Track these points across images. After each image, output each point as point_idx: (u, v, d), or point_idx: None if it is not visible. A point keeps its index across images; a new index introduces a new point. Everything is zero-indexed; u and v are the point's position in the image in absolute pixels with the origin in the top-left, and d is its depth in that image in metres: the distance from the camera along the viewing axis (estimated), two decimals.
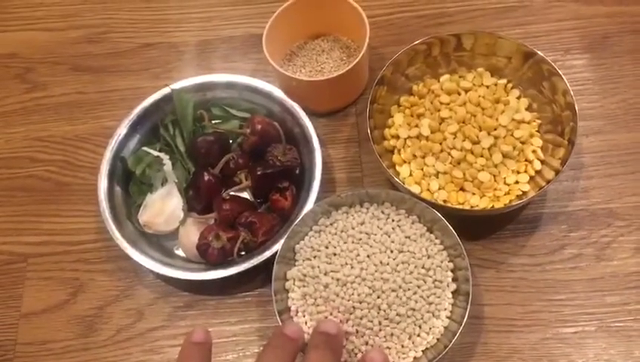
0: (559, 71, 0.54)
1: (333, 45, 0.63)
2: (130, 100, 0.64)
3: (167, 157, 0.58)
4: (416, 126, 0.57)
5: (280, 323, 0.47)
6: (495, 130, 0.55)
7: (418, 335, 0.48)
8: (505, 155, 0.54)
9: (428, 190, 0.54)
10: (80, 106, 0.66)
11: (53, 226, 0.59)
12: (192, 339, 0.41)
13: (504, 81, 0.58)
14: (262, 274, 0.54)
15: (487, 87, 0.58)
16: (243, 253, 0.54)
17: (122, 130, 0.59)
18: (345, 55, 0.62)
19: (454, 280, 0.50)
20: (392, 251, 0.50)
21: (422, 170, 0.55)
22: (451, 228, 0.49)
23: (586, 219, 0.54)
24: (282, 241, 0.50)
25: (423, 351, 0.48)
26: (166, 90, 0.59)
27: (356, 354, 0.47)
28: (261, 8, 0.69)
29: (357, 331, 0.48)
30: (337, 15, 0.61)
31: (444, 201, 0.54)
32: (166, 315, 0.54)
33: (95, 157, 0.61)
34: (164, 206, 0.55)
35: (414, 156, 0.56)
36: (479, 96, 0.57)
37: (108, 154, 0.57)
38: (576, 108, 0.52)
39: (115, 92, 0.66)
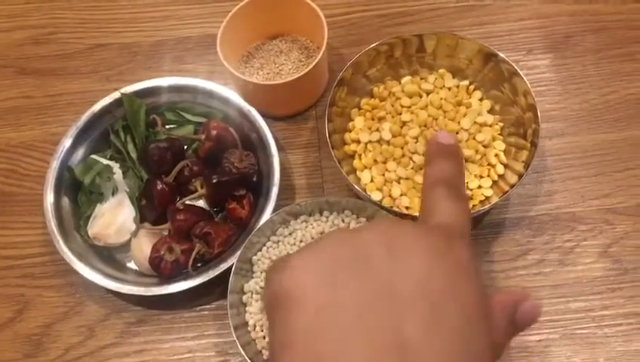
0: (520, 71, 0.53)
1: (291, 46, 0.61)
2: (79, 105, 0.61)
3: (118, 165, 0.55)
4: (377, 130, 0.55)
5: (235, 339, 0.45)
6: (457, 133, 0.54)
7: None
8: (467, 160, 0.53)
9: (390, 196, 0.53)
10: (26, 111, 0.62)
11: None
12: (441, 140, 0.33)
13: (466, 82, 0.57)
14: (219, 287, 0.52)
15: (449, 89, 0.57)
16: (199, 264, 0.52)
17: (70, 137, 0.56)
18: (304, 56, 0.60)
19: None
20: None
21: (383, 175, 0.54)
22: None
23: (549, 224, 0.54)
24: (239, 253, 0.48)
25: None
26: (116, 94, 0.57)
27: None
28: (217, 7, 0.66)
29: None
30: (295, 15, 0.59)
31: (407, 208, 0.52)
32: (118, 332, 0.52)
33: (41, 166, 0.58)
34: (115, 217, 0.53)
35: (375, 161, 0.54)
36: (441, 99, 0.56)
37: (54, 163, 0.55)
38: (538, 109, 0.51)
39: (62, 96, 0.63)
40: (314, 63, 0.54)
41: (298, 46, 0.61)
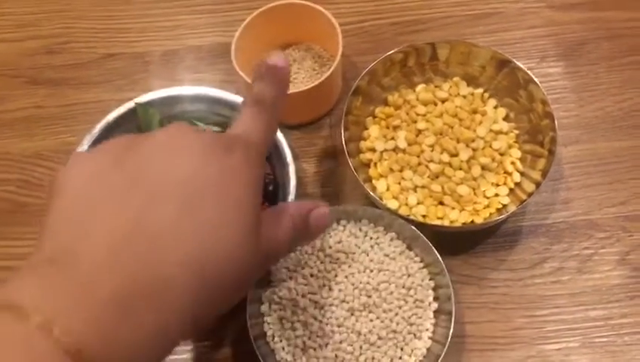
0: (535, 79, 0.53)
1: (304, 55, 0.61)
2: (92, 114, 0.60)
3: None
4: (393, 138, 0.55)
5: (256, 350, 0.45)
6: (473, 141, 0.54)
7: (400, 358, 0.46)
8: (484, 168, 0.53)
9: (406, 205, 0.53)
10: (37, 121, 0.62)
11: (10, 250, 0.56)
12: (268, 61, 0.35)
13: (480, 90, 0.57)
14: None
15: (464, 96, 0.57)
16: None
17: (84, 147, 0.55)
18: (317, 65, 0.60)
19: (436, 298, 0.48)
20: (371, 271, 0.48)
21: (399, 184, 0.53)
22: (431, 244, 0.48)
23: (566, 232, 0.53)
24: None
25: None
26: (130, 104, 0.56)
27: None
28: (227, 17, 0.66)
29: (336, 356, 0.46)
30: (309, 23, 0.59)
31: (423, 216, 0.52)
32: None
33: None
34: None
35: (391, 170, 0.54)
36: (456, 107, 0.56)
37: None
38: (555, 117, 0.51)
39: (76, 106, 0.63)
40: (329, 72, 0.54)
41: (311, 55, 0.61)
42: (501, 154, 0.54)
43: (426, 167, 0.53)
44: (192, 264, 0.28)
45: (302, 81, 0.59)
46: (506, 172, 0.53)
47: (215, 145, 0.31)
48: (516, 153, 0.54)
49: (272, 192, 0.54)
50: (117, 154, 0.31)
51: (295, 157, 0.55)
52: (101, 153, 0.31)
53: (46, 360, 0.24)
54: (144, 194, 0.29)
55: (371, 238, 0.50)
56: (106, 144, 0.32)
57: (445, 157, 0.53)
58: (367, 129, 0.56)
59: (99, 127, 0.56)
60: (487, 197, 0.53)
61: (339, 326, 0.46)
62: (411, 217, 0.50)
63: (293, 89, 0.58)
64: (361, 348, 0.46)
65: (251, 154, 0.32)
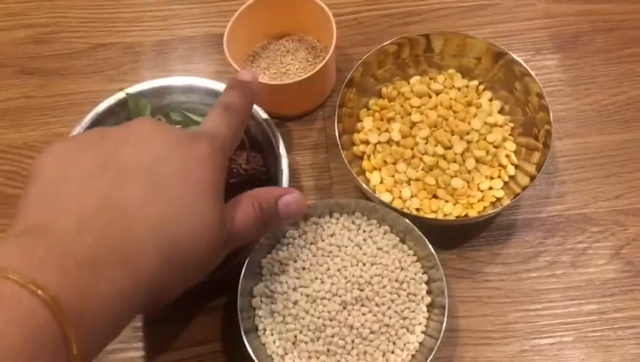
0: (531, 72, 0.53)
1: (298, 46, 0.60)
2: (82, 105, 0.60)
3: None
4: (387, 131, 0.54)
5: (246, 343, 0.44)
6: (468, 134, 0.53)
7: (392, 352, 0.46)
8: (478, 161, 0.53)
9: (400, 198, 0.52)
10: (27, 112, 0.61)
11: None
12: (238, 77, 0.42)
13: (475, 82, 0.57)
14: (228, 290, 0.51)
15: (459, 89, 0.56)
16: None
17: None
18: (311, 56, 0.60)
19: (429, 292, 0.48)
20: (364, 264, 0.48)
21: (393, 176, 0.53)
22: (424, 238, 0.47)
23: (560, 225, 0.53)
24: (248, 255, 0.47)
25: None
26: (121, 95, 0.55)
27: None
28: (220, 7, 0.66)
29: (328, 350, 0.45)
30: (302, 14, 0.58)
31: (417, 210, 0.51)
32: (123, 336, 0.51)
33: None
34: None
35: (385, 162, 0.53)
36: (451, 99, 0.55)
37: None
38: (551, 110, 0.51)
39: (65, 96, 0.62)
40: (323, 63, 0.53)
41: (305, 46, 0.60)
42: (496, 147, 0.53)
43: (420, 159, 0.53)
44: (159, 232, 0.31)
45: (295, 72, 0.59)
46: (500, 165, 0.53)
47: (182, 136, 0.35)
48: (511, 146, 0.54)
49: (263, 185, 0.54)
50: (90, 141, 0.34)
51: (288, 150, 0.54)
52: (74, 140, 0.35)
53: (23, 313, 0.25)
54: (114, 175, 0.32)
55: (364, 231, 0.49)
56: (79, 134, 0.36)
57: (439, 150, 0.52)
58: (360, 121, 0.56)
59: (88, 118, 0.55)
60: (482, 191, 0.52)
61: (331, 319, 0.45)
62: (405, 210, 0.50)
63: (286, 80, 0.57)
64: (353, 342, 0.45)
65: (215, 146, 0.36)
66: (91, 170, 0.32)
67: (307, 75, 0.53)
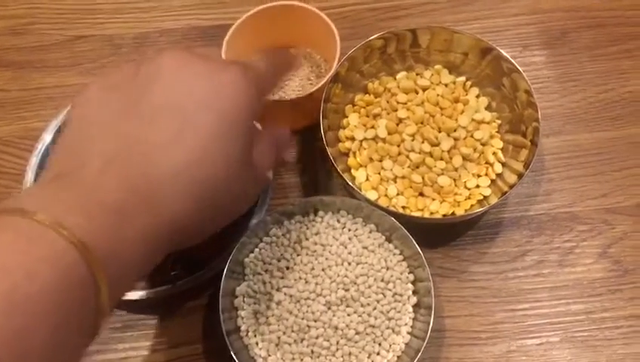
0: (519, 68, 0.52)
1: (302, 62, 0.57)
2: (59, 99, 0.58)
3: None
4: (373, 127, 0.53)
5: (229, 345, 0.43)
6: (455, 131, 0.52)
7: (378, 354, 0.45)
8: (465, 158, 0.52)
9: (386, 195, 0.51)
10: (2, 106, 0.59)
11: None
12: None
13: (462, 78, 0.56)
14: (209, 290, 0.50)
15: (446, 85, 0.55)
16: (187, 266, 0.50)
17: (50, 133, 0.53)
18: (314, 75, 0.57)
19: (415, 292, 0.47)
20: (349, 263, 0.47)
21: (379, 174, 0.52)
22: (411, 237, 0.46)
23: (547, 224, 0.52)
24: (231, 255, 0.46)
25: None
26: None
27: None
28: None
29: (312, 351, 0.44)
30: (307, 29, 0.55)
31: (403, 208, 0.50)
32: (102, 338, 0.49)
33: (19, 163, 0.55)
34: None
35: (371, 159, 0.52)
36: (438, 95, 0.54)
37: (33, 160, 0.52)
38: (539, 107, 0.50)
39: (41, 90, 0.60)
40: (316, 87, 0.50)
41: (310, 63, 0.58)
42: (483, 145, 0.53)
43: (407, 156, 0.52)
44: (188, 172, 0.31)
45: (295, 88, 0.56)
46: (487, 162, 0.52)
47: (214, 64, 0.34)
48: (498, 143, 0.53)
49: None
50: (122, 79, 0.33)
51: None
52: (108, 79, 0.34)
53: (53, 252, 0.25)
54: (143, 115, 0.32)
55: (350, 230, 0.48)
56: (114, 69, 0.35)
57: (426, 147, 0.52)
58: (346, 117, 0.55)
59: (64, 113, 0.54)
60: (469, 189, 0.51)
61: (315, 320, 0.44)
62: (391, 208, 0.49)
63: (282, 95, 0.55)
64: (337, 343, 0.44)
65: (249, 76, 0.34)
66: (121, 111, 0.32)
67: (298, 96, 0.51)
